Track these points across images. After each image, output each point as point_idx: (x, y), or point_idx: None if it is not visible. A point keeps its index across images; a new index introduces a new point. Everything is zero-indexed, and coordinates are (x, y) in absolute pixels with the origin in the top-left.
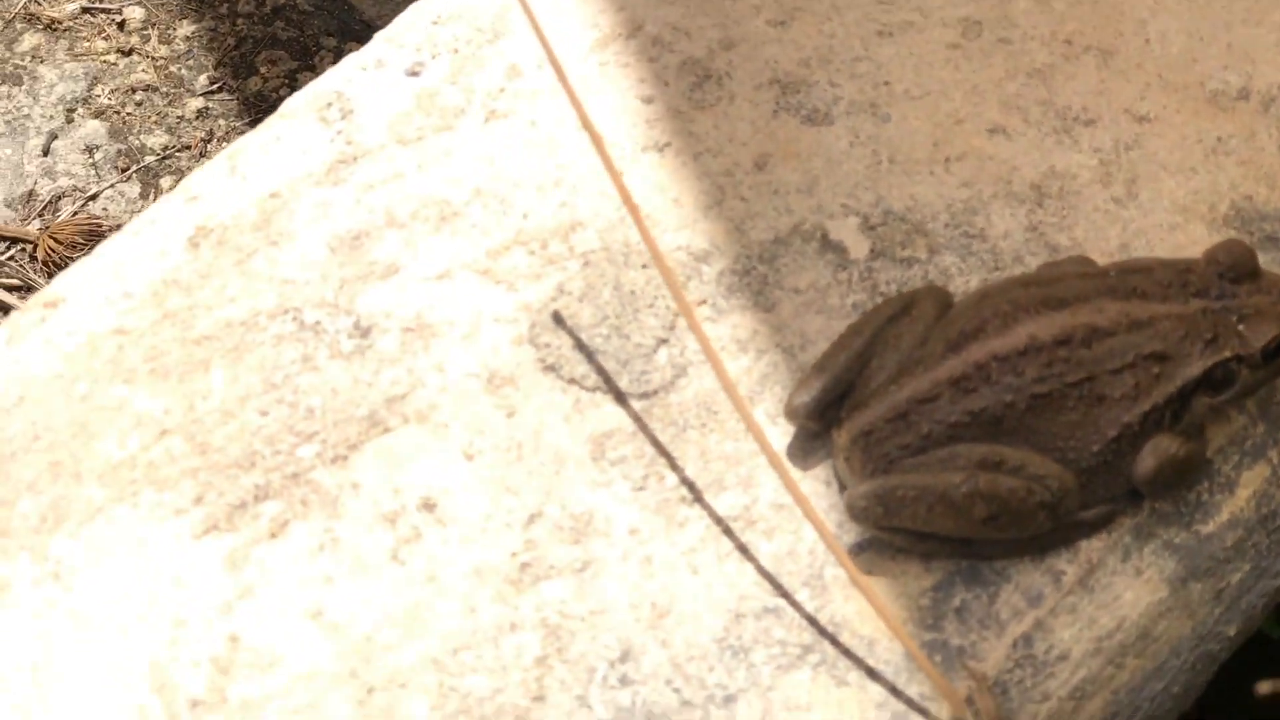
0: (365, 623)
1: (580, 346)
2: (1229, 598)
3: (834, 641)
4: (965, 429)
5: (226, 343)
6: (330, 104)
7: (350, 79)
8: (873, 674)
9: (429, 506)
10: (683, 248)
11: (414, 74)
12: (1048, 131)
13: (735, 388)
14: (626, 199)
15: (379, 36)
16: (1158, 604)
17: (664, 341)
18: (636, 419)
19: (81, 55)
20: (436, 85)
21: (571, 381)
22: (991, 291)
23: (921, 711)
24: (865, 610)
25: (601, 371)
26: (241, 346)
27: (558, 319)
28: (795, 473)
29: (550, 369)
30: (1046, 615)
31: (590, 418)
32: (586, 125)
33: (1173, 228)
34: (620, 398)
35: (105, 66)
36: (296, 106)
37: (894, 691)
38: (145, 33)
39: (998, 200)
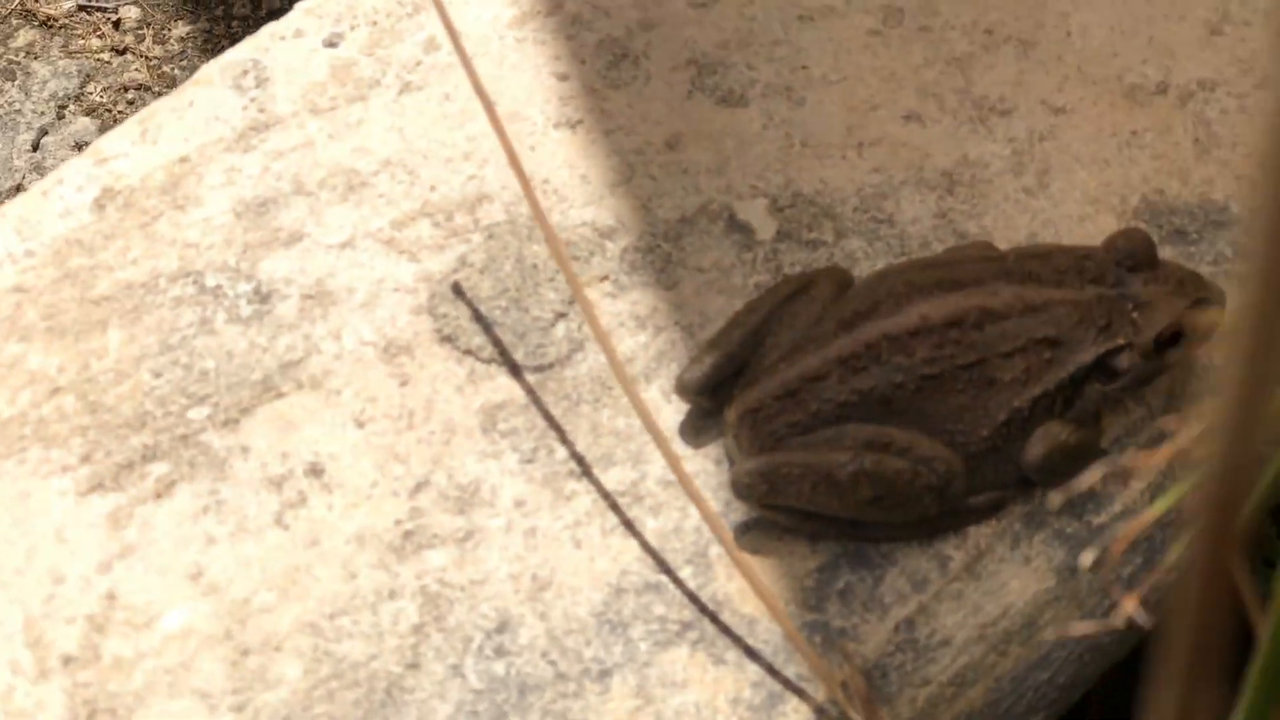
0: (244, 585)
1: (478, 318)
2: (1119, 590)
3: (714, 619)
4: (854, 408)
5: (125, 304)
6: (246, 71)
7: (267, 48)
8: (751, 653)
9: (316, 472)
10: (588, 224)
11: (331, 45)
12: (963, 120)
13: (621, 363)
14: (515, 164)
15: (299, 7)
16: (1045, 593)
17: (562, 316)
18: (530, 391)
19: (76, 53)
20: (353, 56)
21: (467, 352)
22: (890, 273)
23: (798, 692)
24: (747, 590)
25: (498, 343)
26: (140, 308)
27: (458, 290)
28: (685, 450)
29: (447, 339)
30: (930, 600)
31: (484, 389)
32: (479, 91)
33: (1082, 219)
34: (515, 370)
35: (99, 64)
36: (211, 73)
37: (771, 671)
38: (140, 32)
39: (908, 186)
